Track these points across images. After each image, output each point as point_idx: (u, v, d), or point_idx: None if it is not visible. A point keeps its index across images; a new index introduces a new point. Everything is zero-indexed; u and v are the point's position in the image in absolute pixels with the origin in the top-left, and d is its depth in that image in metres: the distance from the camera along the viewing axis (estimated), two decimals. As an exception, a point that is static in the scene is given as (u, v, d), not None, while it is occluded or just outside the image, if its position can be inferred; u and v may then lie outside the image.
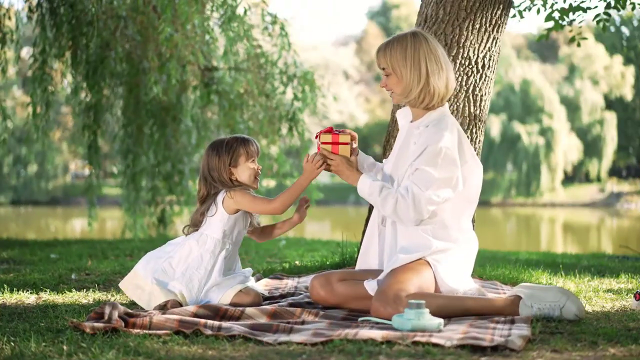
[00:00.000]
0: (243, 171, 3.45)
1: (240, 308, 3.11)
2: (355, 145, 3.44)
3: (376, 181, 3.23)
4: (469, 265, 3.27)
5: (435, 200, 3.11)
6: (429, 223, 3.19)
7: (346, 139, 3.35)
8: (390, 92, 3.28)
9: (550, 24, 4.80)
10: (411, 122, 3.35)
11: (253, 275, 4.15)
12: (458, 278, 3.18)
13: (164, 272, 3.36)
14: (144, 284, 3.33)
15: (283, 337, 2.66)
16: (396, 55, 3.21)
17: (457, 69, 4.13)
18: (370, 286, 3.14)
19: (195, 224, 3.47)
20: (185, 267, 3.36)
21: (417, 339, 2.58)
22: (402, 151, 3.31)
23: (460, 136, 3.21)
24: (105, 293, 3.82)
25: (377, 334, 2.64)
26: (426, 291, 3.08)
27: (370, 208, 4.40)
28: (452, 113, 4.16)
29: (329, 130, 3.38)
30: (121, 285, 3.42)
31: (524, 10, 4.85)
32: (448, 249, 3.17)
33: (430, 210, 3.13)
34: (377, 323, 2.91)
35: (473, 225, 4.33)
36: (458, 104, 4.16)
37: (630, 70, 40.41)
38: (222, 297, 3.34)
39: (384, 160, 3.56)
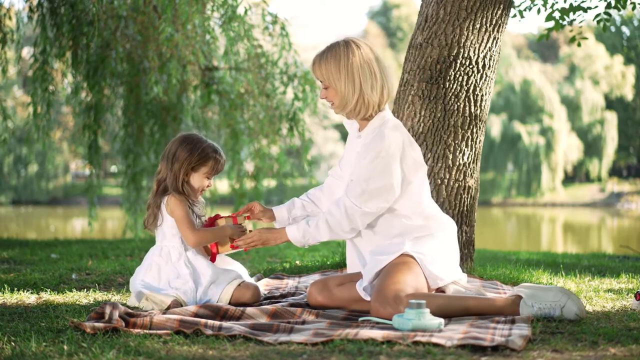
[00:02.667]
0: (196, 180, 3.48)
1: (241, 308, 3.11)
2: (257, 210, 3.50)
3: (299, 222, 3.26)
4: (453, 251, 3.27)
5: (369, 212, 3.14)
6: (394, 224, 3.20)
7: (228, 220, 3.48)
8: (331, 104, 3.27)
9: (551, 23, 4.80)
10: (358, 130, 3.35)
11: (253, 275, 4.16)
12: (445, 267, 3.19)
13: (151, 289, 3.37)
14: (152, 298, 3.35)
15: (283, 337, 2.66)
16: (330, 68, 3.18)
17: (457, 68, 4.13)
18: (362, 293, 3.14)
19: (153, 218, 3.48)
20: (166, 282, 3.37)
21: (417, 338, 2.58)
22: (355, 161, 3.31)
23: (404, 140, 3.18)
24: (105, 293, 3.82)
25: (378, 334, 2.64)
26: (421, 288, 3.09)
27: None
28: (452, 113, 4.16)
29: (217, 217, 3.51)
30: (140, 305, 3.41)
31: (525, 10, 4.85)
32: (426, 235, 3.18)
33: (366, 222, 3.16)
34: (378, 323, 2.91)
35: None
36: (458, 104, 4.16)
37: (631, 70, 40.44)
38: (222, 293, 3.35)
39: (332, 170, 3.54)
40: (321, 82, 3.24)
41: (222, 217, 3.53)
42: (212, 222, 3.53)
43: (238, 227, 3.46)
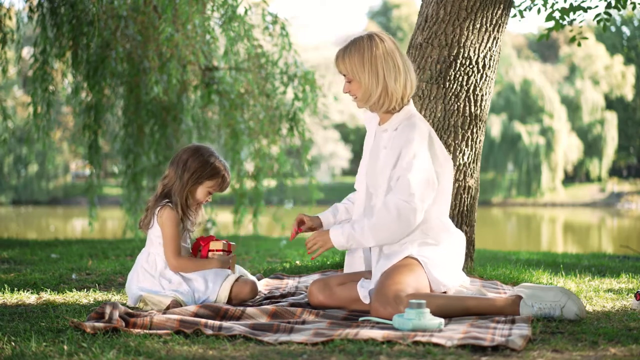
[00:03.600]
0: (200, 192, 3.48)
1: (241, 308, 3.11)
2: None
3: (344, 226, 3.17)
4: (458, 259, 3.27)
5: (421, 207, 3.09)
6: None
7: (225, 245, 3.54)
8: (354, 98, 3.26)
9: (551, 23, 4.80)
10: (379, 124, 3.34)
11: (253, 275, 4.16)
12: (448, 273, 3.18)
13: (149, 291, 3.37)
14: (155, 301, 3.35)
15: (284, 337, 2.66)
16: (354, 61, 3.18)
17: (457, 68, 4.13)
18: (362, 293, 3.14)
19: (147, 220, 3.48)
20: (160, 287, 3.36)
21: (417, 338, 2.58)
22: (373, 156, 3.30)
23: (430, 133, 3.20)
24: (105, 293, 3.82)
25: (378, 334, 2.64)
26: (422, 289, 3.09)
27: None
28: (452, 113, 4.16)
29: (210, 239, 3.54)
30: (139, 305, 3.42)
31: (525, 10, 4.85)
32: (433, 244, 3.17)
33: (420, 218, 3.09)
34: (378, 323, 2.91)
35: (472, 224, 4.33)
36: (459, 104, 4.16)
37: (631, 70, 40.44)
38: (220, 290, 3.35)
39: (359, 174, 3.50)
40: (344, 75, 3.24)
41: (217, 240, 3.53)
42: (206, 242, 3.53)
43: (227, 259, 3.49)
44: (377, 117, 3.36)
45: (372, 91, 3.18)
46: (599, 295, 3.71)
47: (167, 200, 3.45)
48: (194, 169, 3.44)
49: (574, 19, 4.80)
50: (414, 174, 3.07)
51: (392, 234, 3.10)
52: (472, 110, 4.19)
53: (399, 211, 3.06)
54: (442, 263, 3.16)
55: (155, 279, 3.38)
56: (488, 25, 4.16)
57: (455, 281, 3.23)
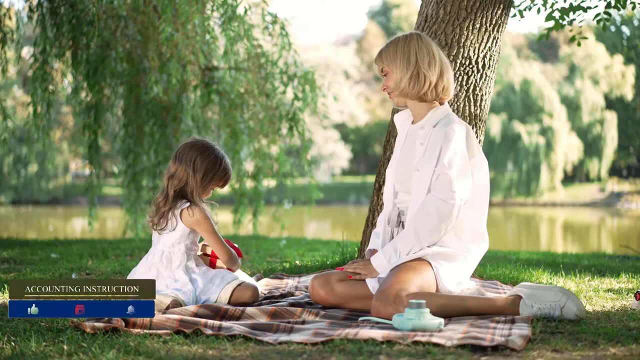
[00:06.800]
0: (207, 190, 3.47)
1: (241, 308, 3.11)
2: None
3: (384, 248, 3.17)
4: (471, 269, 3.26)
5: (459, 204, 3.09)
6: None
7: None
8: (388, 92, 3.28)
9: (551, 23, 4.80)
10: (412, 123, 3.34)
11: (252, 275, 4.16)
12: (458, 281, 3.18)
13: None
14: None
15: (283, 337, 2.66)
16: (389, 52, 3.25)
17: (457, 68, 4.13)
18: (371, 283, 3.14)
19: (165, 223, 3.41)
20: (164, 286, 3.35)
21: (417, 338, 2.58)
22: (405, 154, 3.29)
23: (468, 131, 3.21)
24: (105, 293, 3.82)
25: (378, 334, 2.64)
26: (427, 291, 3.08)
27: (371, 209, 4.40)
28: (452, 113, 4.16)
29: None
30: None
31: (525, 9, 4.85)
32: (452, 252, 3.15)
33: (458, 214, 3.11)
34: (378, 323, 2.91)
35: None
36: (458, 103, 4.16)
37: (631, 69, 40.43)
38: (222, 292, 3.34)
39: (387, 169, 3.50)
40: (381, 71, 3.28)
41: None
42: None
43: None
44: (410, 118, 3.36)
45: (403, 75, 3.20)
46: (598, 295, 3.71)
47: (185, 200, 3.40)
48: (206, 169, 3.40)
49: (574, 19, 4.80)
50: (455, 171, 3.09)
51: (435, 236, 3.12)
52: (472, 110, 4.20)
53: (439, 212, 3.07)
54: (454, 272, 3.15)
55: (164, 278, 3.36)
56: (488, 25, 4.16)
57: (464, 287, 3.23)
